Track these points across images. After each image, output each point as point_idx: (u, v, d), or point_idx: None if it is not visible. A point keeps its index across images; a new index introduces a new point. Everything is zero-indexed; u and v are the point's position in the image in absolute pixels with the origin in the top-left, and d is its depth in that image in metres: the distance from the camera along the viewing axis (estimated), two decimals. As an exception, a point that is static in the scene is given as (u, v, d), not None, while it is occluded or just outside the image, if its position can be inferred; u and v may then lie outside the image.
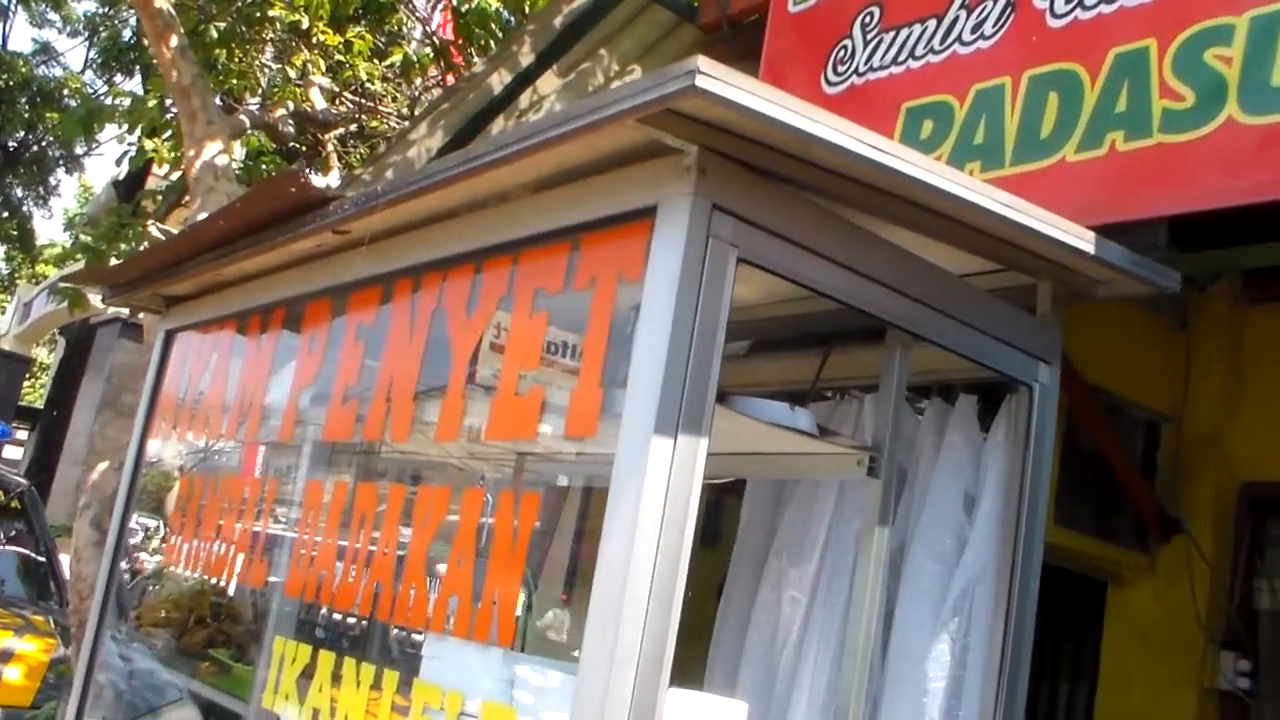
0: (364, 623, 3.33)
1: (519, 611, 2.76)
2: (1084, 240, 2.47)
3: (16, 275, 28.28)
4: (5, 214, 24.54)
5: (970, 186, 2.28)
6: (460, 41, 8.41)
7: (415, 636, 2.78)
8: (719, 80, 1.82)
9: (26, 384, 29.62)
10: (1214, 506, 5.22)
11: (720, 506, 3.90)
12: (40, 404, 24.88)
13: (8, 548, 8.64)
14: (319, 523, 2.88)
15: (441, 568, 2.30)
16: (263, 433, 3.31)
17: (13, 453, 22.81)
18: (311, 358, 3.12)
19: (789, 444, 2.63)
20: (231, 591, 4.11)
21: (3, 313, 29.75)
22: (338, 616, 3.34)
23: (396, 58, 8.58)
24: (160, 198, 10.17)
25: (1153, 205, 3.00)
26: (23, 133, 23.23)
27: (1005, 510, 2.71)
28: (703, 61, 1.80)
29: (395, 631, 3.17)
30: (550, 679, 2.14)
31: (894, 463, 2.49)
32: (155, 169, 10.57)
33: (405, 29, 10.75)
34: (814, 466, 2.77)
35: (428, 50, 8.61)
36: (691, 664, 3.37)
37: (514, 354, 2.28)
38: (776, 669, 3.14)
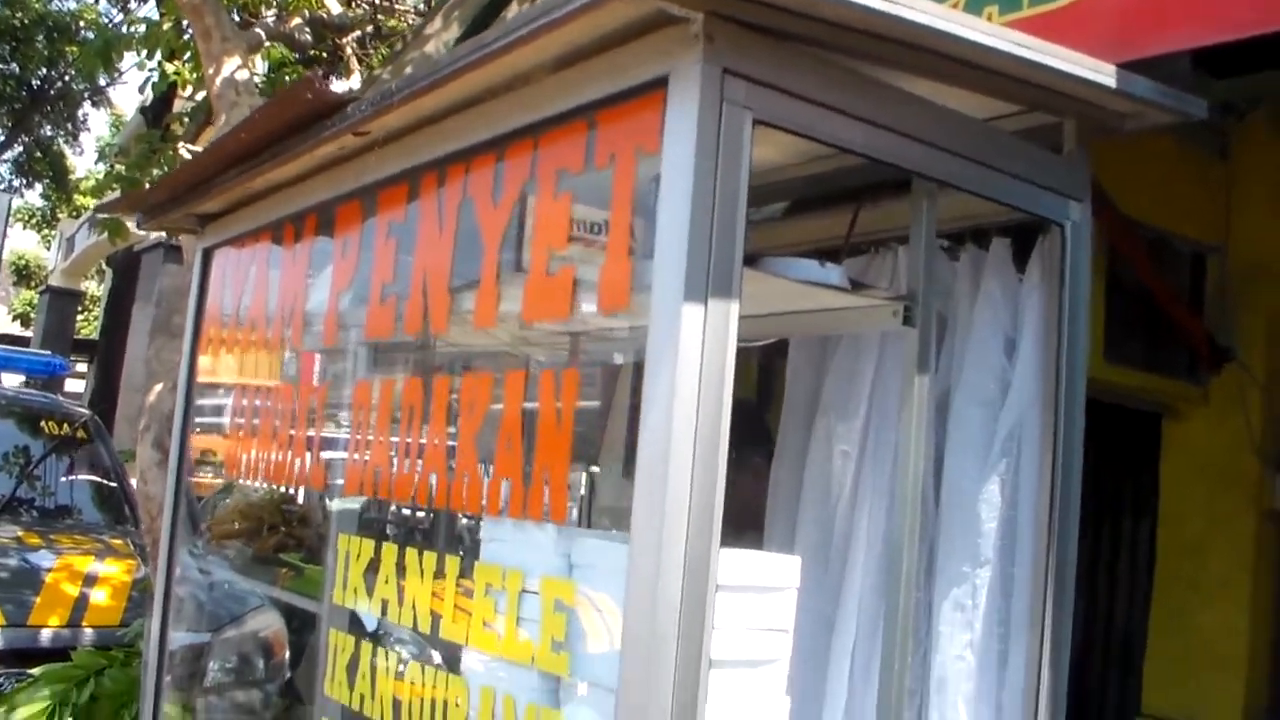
0: (430, 516, 3.40)
1: (582, 491, 2.82)
2: (1105, 74, 2.44)
3: (57, 211, 28.48)
4: (37, 153, 24.64)
5: (982, 29, 2.25)
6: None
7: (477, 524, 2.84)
8: (717, -60, 1.81)
9: (80, 317, 30.01)
10: (1264, 332, 5.20)
11: (771, 370, 3.93)
12: (96, 336, 25.20)
13: (80, 477, 8.81)
14: (370, 420, 2.94)
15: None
16: (306, 339, 3.37)
17: (75, 386, 23.20)
18: (346, 261, 3.16)
19: (824, 300, 2.64)
20: (299, 496, 4.21)
21: (48, 249, 30.06)
22: (406, 511, 3.40)
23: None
24: (188, 120, 10.17)
25: (1178, 39, 2.94)
26: (45, 70, 23.20)
27: (1045, 350, 2.71)
28: (698, -78, 1.78)
29: (463, 521, 3.23)
30: (607, 551, 2.19)
31: (930, 311, 2.50)
32: (180, 92, 10.53)
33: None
34: (851, 321, 2.79)
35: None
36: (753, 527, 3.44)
37: (542, 235, 2.30)
38: (833, 524, 3.19)
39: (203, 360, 4.28)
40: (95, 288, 31.61)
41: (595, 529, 2.36)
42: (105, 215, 7.94)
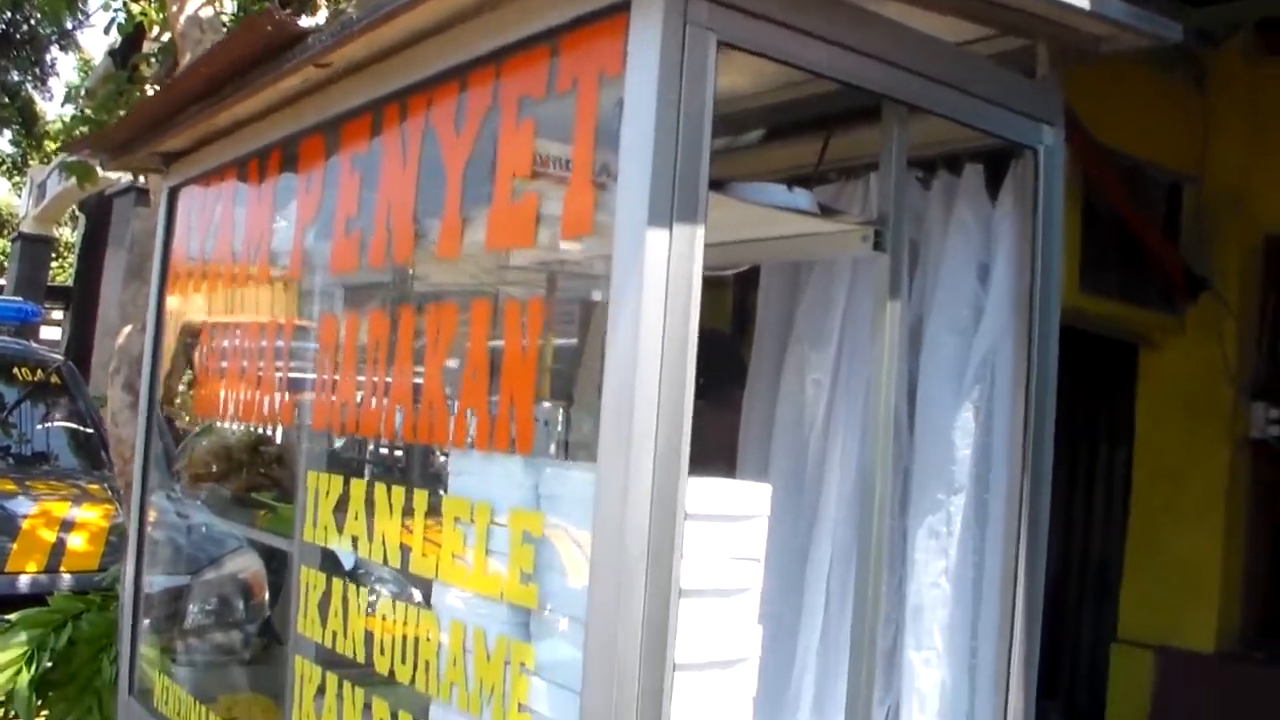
0: (399, 451, 3.36)
1: (559, 427, 2.79)
2: (1077, -5, 2.41)
3: (29, 158, 28.08)
4: (5, 99, 24.21)
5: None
6: None
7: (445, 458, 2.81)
8: None
9: (56, 264, 29.73)
10: (1239, 262, 5.22)
11: (748, 303, 3.90)
12: (72, 283, 24.91)
13: (57, 424, 8.77)
14: (338, 356, 2.91)
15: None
16: (273, 276, 3.33)
17: (51, 333, 22.98)
18: (311, 196, 3.11)
19: (795, 226, 2.61)
20: (274, 435, 4.18)
21: (19, 196, 29.66)
22: (377, 447, 3.35)
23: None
24: (155, 61, 10.00)
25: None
26: (9, 14, 22.72)
27: (1019, 276, 2.70)
28: None
29: (432, 455, 3.19)
30: (575, 481, 2.16)
31: (901, 237, 2.46)
32: (149, 33, 10.35)
33: None
34: (822, 247, 2.75)
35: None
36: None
37: (505, 162, 2.26)
38: (806, 454, 3.18)
39: (172, 301, 4.24)
40: (70, 235, 31.28)
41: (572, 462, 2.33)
42: (73, 159, 7.81)
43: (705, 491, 2.07)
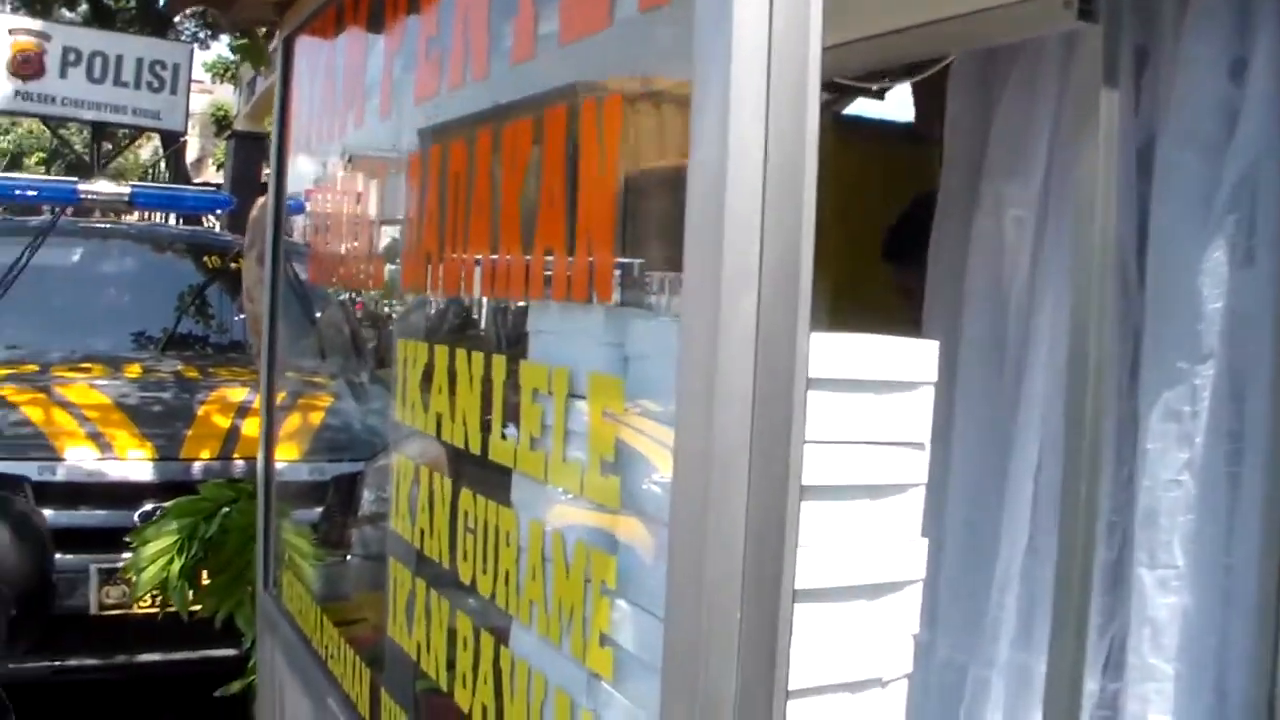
0: (480, 307, 2.82)
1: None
2: None
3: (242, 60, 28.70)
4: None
5: None
6: None
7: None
8: None
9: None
10: None
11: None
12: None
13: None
14: (422, 200, 2.43)
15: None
16: (368, 118, 2.86)
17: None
18: (399, 21, 2.62)
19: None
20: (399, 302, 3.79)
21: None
22: (463, 305, 2.82)
23: None
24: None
25: None
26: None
27: (1289, 68, 2.01)
28: None
29: (511, 311, 2.69)
30: (663, 333, 1.59)
31: (1120, 6, 1.82)
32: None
33: None
34: (1012, 25, 2.08)
35: None
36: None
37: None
38: (1007, 315, 2.53)
39: (305, 163, 3.85)
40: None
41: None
42: (240, 41, 7.60)
43: (838, 349, 1.49)
